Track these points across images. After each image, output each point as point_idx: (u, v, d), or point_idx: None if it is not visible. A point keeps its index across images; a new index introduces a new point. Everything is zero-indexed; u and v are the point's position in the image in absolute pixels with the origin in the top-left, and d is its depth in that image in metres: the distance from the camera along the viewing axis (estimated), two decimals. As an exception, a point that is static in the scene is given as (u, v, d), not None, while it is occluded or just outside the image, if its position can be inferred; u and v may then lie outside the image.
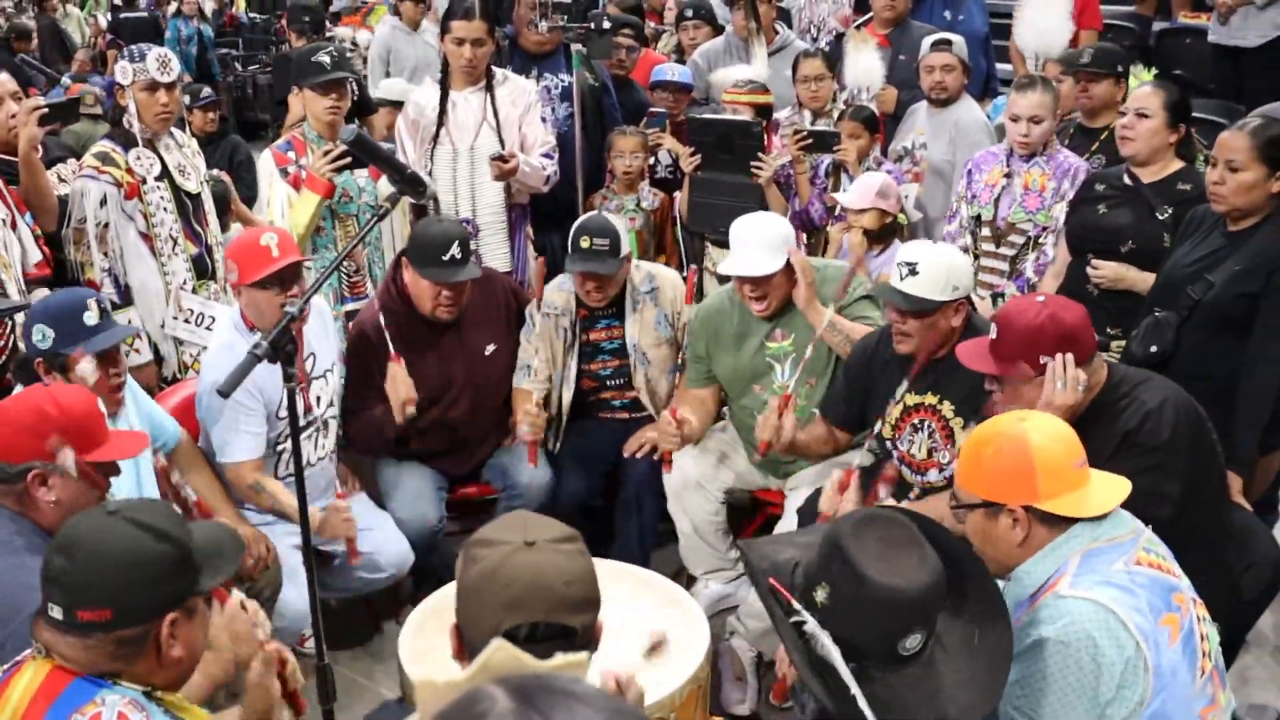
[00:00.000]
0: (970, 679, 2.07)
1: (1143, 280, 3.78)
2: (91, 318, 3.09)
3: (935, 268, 3.20)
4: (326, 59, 4.22)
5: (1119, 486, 2.35)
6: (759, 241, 3.64)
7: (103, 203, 3.97)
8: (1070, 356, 2.74)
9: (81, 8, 13.32)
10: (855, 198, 4.47)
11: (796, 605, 2.05)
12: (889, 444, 3.46)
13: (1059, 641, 2.16)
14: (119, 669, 1.96)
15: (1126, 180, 3.94)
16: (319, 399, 3.69)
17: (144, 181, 4.04)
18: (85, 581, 1.93)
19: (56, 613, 1.94)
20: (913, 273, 3.20)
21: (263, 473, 3.55)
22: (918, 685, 2.01)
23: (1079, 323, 2.79)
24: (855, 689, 1.93)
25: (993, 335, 2.88)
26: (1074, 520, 2.29)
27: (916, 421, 3.39)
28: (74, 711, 1.91)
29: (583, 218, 4.02)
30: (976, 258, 4.45)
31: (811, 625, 2.01)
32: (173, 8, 10.80)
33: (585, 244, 3.87)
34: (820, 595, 2.03)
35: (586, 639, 1.75)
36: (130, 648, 1.96)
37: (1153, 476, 2.67)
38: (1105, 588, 2.20)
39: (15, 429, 2.50)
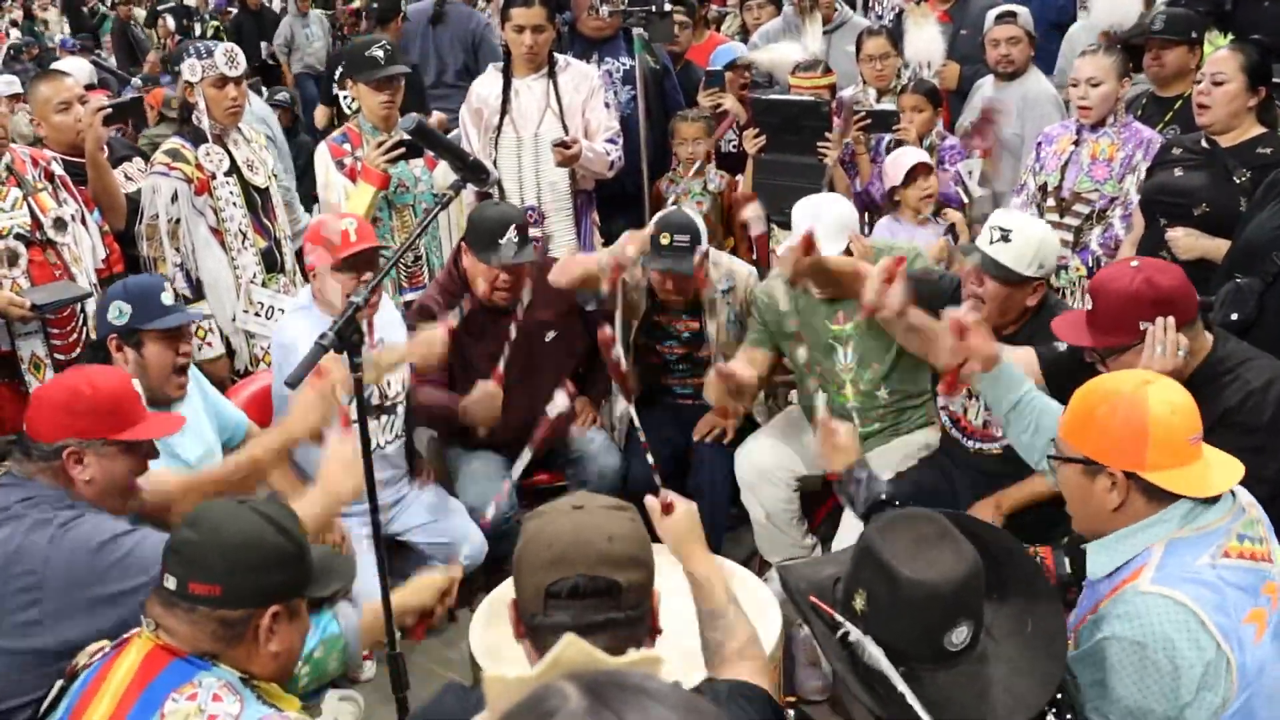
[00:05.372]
0: (1027, 667, 2.01)
1: (1216, 248, 3.66)
2: (168, 298, 3.20)
3: (1028, 240, 3.14)
4: (380, 54, 4.23)
5: (1232, 469, 2.23)
6: (820, 226, 3.59)
7: (174, 199, 4.03)
8: (1170, 320, 2.65)
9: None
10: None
11: (839, 618, 2.00)
12: (941, 401, 3.43)
13: (1135, 642, 2.09)
14: (218, 650, 2.02)
15: (1204, 143, 3.83)
16: (390, 383, 3.72)
17: (214, 177, 4.09)
18: (203, 556, 2.02)
19: (170, 583, 2.02)
20: (1005, 239, 3.14)
21: None
22: (971, 681, 1.95)
23: (1177, 285, 2.70)
24: (907, 692, 1.87)
25: (1088, 306, 2.80)
26: (1174, 497, 2.18)
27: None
28: (171, 691, 1.96)
29: (662, 213, 3.94)
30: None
31: (855, 634, 1.95)
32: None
33: (665, 240, 3.80)
34: (859, 603, 1.98)
35: (634, 601, 1.73)
36: (231, 630, 2.02)
37: (1251, 458, 2.57)
38: (1188, 585, 2.10)
39: (50, 408, 2.56)
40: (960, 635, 1.94)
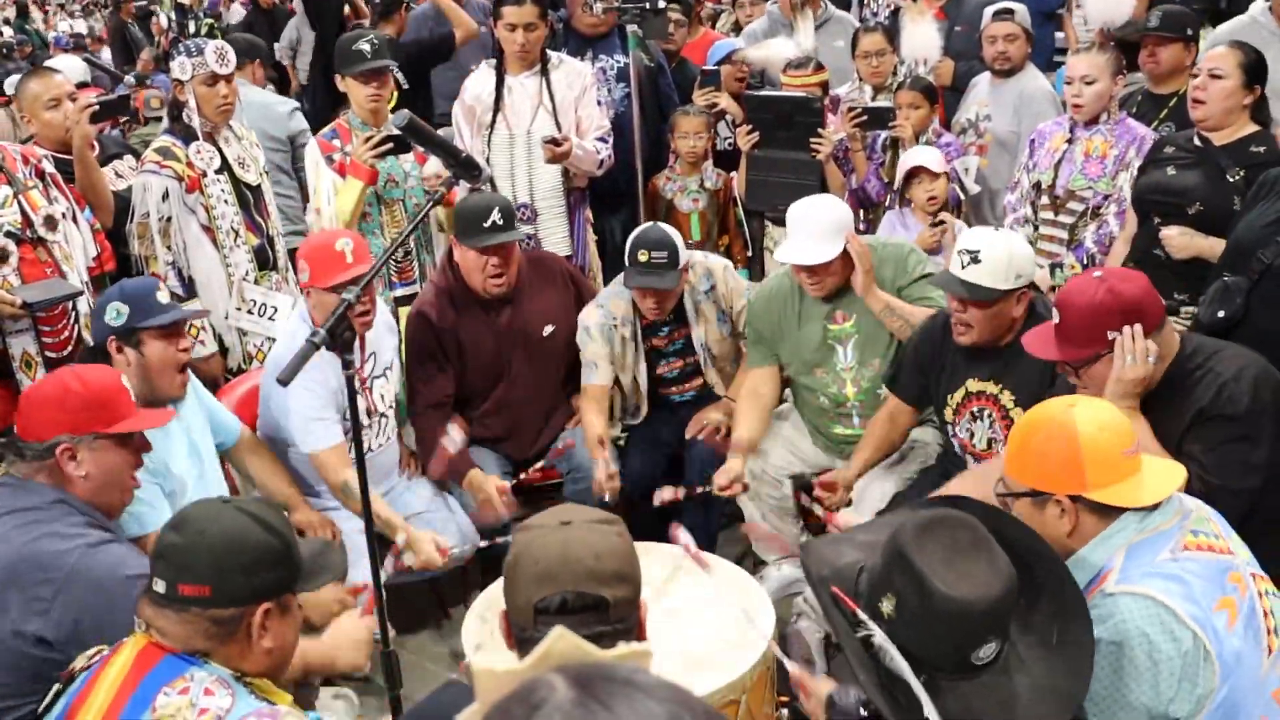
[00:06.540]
0: (1048, 682, 2.00)
1: (1210, 247, 3.65)
2: (163, 297, 3.24)
3: (998, 256, 3.12)
4: (367, 47, 4.21)
5: (1173, 474, 2.28)
6: (815, 228, 3.57)
7: (165, 197, 4.02)
8: (1138, 328, 2.65)
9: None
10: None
11: (863, 616, 1.98)
12: (949, 429, 3.41)
13: (1111, 642, 2.10)
14: (211, 648, 2.02)
15: (1197, 142, 3.82)
16: (382, 396, 3.72)
17: (204, 175, 4.08)
18: (190, 557, 2.01)
19: (160, 586, 2.02)
20: (975, 261, 3.12)
21: (348, 466, 3.52)
22: (992, 693, 1.94)
23: (1141, 292, 2.70)
24: (929, 706, 1.86)
25: (1055, 319, 2.79)
26: (1123, 510, 2.21)
27: (975, 410, 3.33)
28: (164, 684, 1.96)
29: (639, 229, 3.91)
30: (1035, 226, 4.36)
31: (880, 639, 1.94)
32: None
33: (643, 257, 3.77)
34: (886, 607, 1.96)
35: (622, 615, 1.74)
36: (223, 628, 2.01)
37: (1240, 446, 2.58)
38: (1153, 580, 2.12)
39: (41, 406, 2.58)
40: (988, 650, 1.94)
